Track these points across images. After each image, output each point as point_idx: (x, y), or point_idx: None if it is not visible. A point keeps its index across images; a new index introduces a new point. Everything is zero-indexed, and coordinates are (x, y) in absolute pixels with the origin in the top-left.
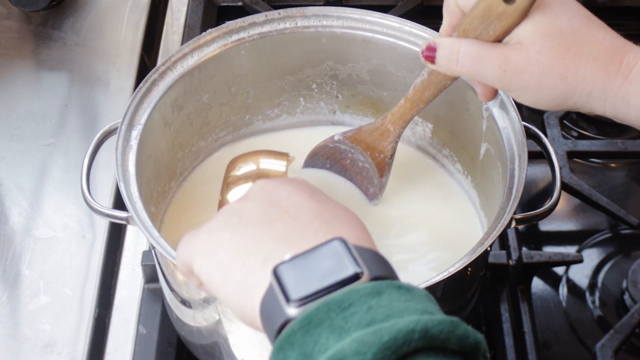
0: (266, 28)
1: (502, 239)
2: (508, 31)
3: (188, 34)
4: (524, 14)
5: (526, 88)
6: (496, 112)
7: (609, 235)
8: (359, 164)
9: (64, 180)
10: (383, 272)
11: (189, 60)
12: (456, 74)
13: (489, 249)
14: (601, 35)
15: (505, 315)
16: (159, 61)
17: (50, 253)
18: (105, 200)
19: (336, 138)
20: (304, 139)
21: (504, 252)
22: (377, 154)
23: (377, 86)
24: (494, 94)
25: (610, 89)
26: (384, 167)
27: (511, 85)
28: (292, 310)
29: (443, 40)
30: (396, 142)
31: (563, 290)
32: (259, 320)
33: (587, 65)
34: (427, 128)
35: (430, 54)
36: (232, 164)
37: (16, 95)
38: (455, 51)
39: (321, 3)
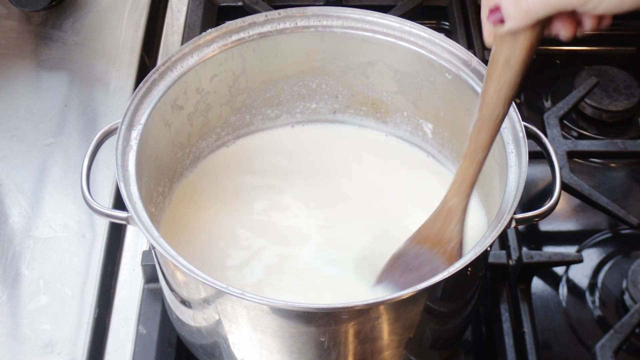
0: (266, 28)
1: (502, 239)
2: None
3: (188, 34)
4: None
5: None
6: None
7: (609, 235)
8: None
9: (64, 180)
10: None
11: (189, 60)
12: (532, 17)
13: (489, 249)
14: None
15: (505, 315)
16: (159, 61)
17: (50, 253)
18: (105, 200)
19: (401, 247)
20: (304, 139)
21: (504, 252)
22: (445, 246)
23: (377, 86)
24: (575, 26)
25: None
26: (455, 256)
27: None
28: None
29: None
30: (463, 220)
31: (563, 290)
32: None
33: None
34: (428, 128)
35: (496, 14)
36: None
37: (16, 95)
38: None
39: (321, 3)
